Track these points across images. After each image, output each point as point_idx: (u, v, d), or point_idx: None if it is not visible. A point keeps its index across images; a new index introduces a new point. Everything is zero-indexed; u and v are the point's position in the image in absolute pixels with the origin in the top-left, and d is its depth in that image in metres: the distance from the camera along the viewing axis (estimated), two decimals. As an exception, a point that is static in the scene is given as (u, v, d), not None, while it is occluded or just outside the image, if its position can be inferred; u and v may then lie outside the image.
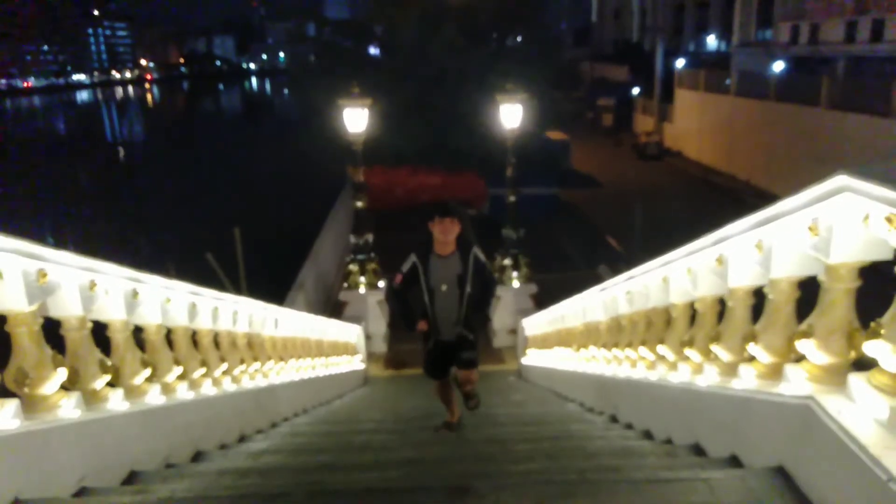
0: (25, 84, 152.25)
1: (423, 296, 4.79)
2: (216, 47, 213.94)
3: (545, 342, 9.59)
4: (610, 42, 72.26)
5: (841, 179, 2.23)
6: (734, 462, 3.04)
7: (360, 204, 13.15)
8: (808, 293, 2.79)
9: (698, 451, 3.55)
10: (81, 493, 2.82)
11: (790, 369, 2.70)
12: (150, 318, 3.97)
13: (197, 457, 4.10)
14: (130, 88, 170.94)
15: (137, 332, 3.87)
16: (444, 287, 4.76)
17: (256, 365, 5.85)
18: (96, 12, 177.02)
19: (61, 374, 2.94)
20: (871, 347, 2.21)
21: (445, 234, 4.70)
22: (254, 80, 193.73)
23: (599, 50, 71.51)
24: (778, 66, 36.36)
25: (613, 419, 5.53)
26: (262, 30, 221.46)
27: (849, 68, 33.90)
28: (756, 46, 42.76)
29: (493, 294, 5.12)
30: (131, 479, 3.28)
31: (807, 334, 2.57)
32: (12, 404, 2.64)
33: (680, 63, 45.01)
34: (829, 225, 2.37)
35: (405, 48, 24.56)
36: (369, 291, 12.80)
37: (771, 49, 39.67)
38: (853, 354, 2.47)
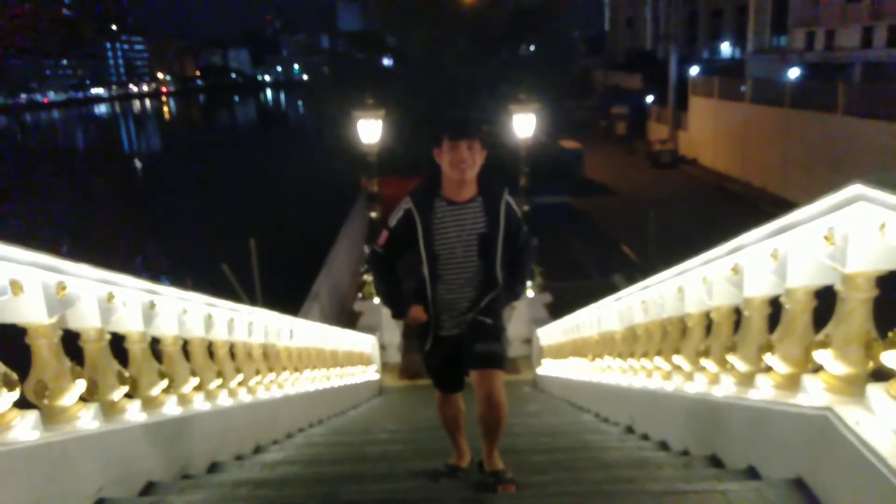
0: (45, 99, 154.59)
1: (422, 266, 3.13)
2: (231, 60, 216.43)
3: (560, 352, 9.55)
4: (623, 50, 72.26)
5: (856, 188, 2.22)
6: (752, 474, 3.01)
7: (374, 214, 13.23)
8: (826, 302, 2.76)
9: (715, 462, 3.52)
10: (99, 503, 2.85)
11: (807, 380, 2.68)
12: (166, 329, 4.00)
13: (213, 467, 4.12)
14: (147, 101, 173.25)
15: (154, 343, 3.91)
16: (456, 252, 3.10)
17: (272, 376, 5.88)
18: (114, 27, 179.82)
19: (80, 385, 2.97)
20: (889, 358, 2.19)
21: (462, 165, 3.00)
22: (269, 92, 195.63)
23: (612, 58, 71.49)
24: (793, 73, 36.18)
25: (629, 430, 5.49)
26: (277, 42, 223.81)
27: (865, 74, 33.64)
28: (771, 53, 42.60)
29: (531, 265, 3.32)
30: (148, 489, 3.30)
31: (824, 344, 2.55)
32: (32, 416, 2.67)
33: (694, 70, 44.92)
34: (845, 234, 2.35)
35: (418, 59, 24.69)
36: (384, 302, 12.81)
37: (786, 55, 39.50)
38: (871, 365, 2.45)
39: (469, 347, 3.19)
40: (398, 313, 3.27)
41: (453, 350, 3.28)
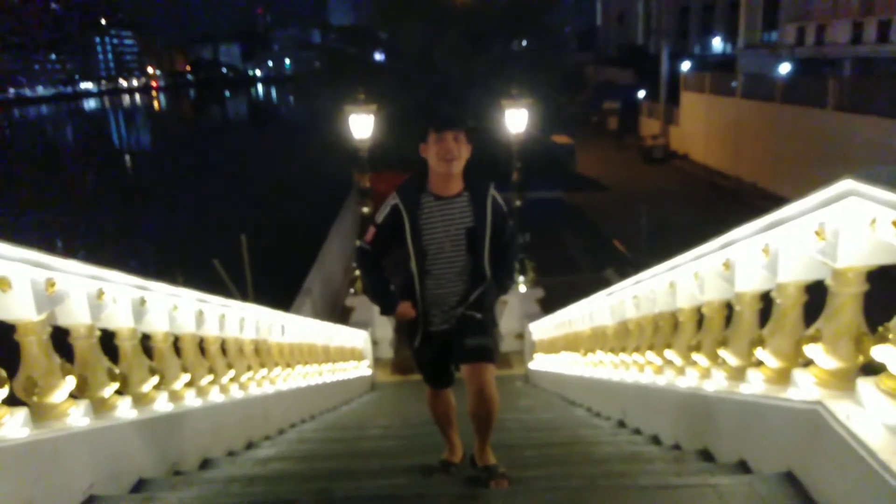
0: (34, 93, 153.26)
1: (409, 261, 3.14)
2: (222, 55, 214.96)
3: (552, 347, 9.57)
4: (615, 45, 72.24)
5: (847, 184, 2.23)
6: (743, 467, 3.03)
7: (366, 209, 13.21)
8: (817, 297, 2.78)
9: (707, 456, 3.54)
10: (90, 501, 2.83)
11: (798, 374, 2.70)
12: (157, 325, 3.98)
13: (205, 464, 4.10)
14: (137, 96, 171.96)
15: (145, 339, 3.89)
16: (444, 247, 3.12)
17: (263, 371, 5.86)
18: (103, 21, 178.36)
19: (70, 382, 2.95)
20: (879, 352, 2.20)
21: (449, 156, 3.00)
22: (259, 87, 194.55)
23: (604, 53, 71.53)
24: (784, 68, 36.26)
25: (621, 424, 5.51)
26: (268, 37, 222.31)
27: (855, 69, 33.80)
28: (762, 48, 42.69)
29: (517, 259, 3.44)
30: (140, 487, 3.29)
31: (815, 339, 2.56)
32: (21, 413, 2.65)
33: (685, 66, 44.96)
34: (836, 229, 2.36)
35: (410, 54, 24.62)
36: (376, 297, 12.80)
37: (777, 51, 39.60)
38: (861, 359, 2.46)
39: (459, 342, 3.17)
40: (386, 310, 3.27)
41: (443, 345, 3.27)
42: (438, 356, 3.33)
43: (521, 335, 12.57)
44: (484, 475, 3.17)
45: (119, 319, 3.57)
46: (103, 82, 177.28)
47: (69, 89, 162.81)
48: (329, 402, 8.41)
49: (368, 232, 3.20)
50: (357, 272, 13.01)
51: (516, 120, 12.33)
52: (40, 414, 2.84)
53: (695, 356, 3.91)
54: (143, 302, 3.72)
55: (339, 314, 13.95)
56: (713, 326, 3.76)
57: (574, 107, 31.05)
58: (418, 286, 3.17)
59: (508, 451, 4.07)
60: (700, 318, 3.95)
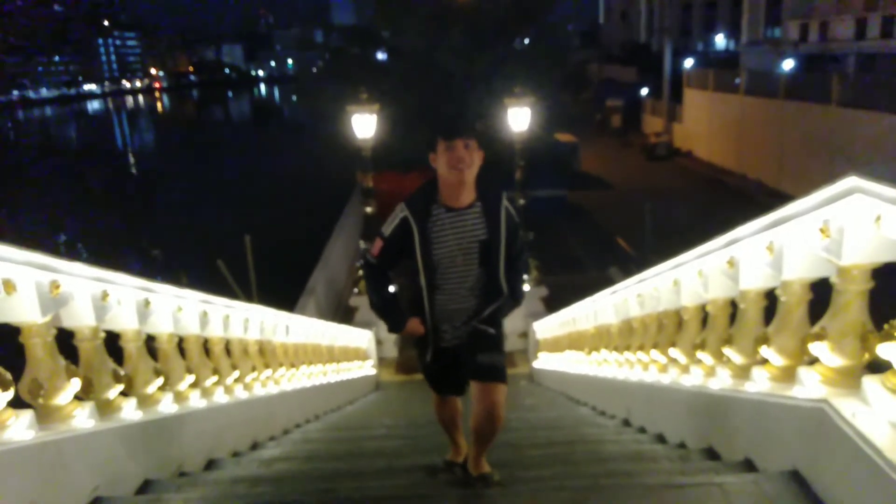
0: (37, 95, 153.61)
1: (419, 276, 2.95)
2: (225, 55, 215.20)
3: (556, 346, 9.56)
4: (617, 43, 72.13)
5: (852, 181, 2.22)
6: (748, 466, 3.02)
7: (369, 209, 13.21)
8: (822, 294, 2.77)
9: (712, 454, 3.53)
10: (95, 503, 2.84)
11: (803, 372, 2.68)
12: (162, 327, 3.99)
13: (210, 465, 4.11)
14: (140, 97, 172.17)
15: (150, 341, 3.89)
16: (456, 261, 2.95)
17: (268, 372, 5.87)
18: (106, 23, 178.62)
19: (75, 384, 2.96)
20: (885, 350, 2.19)
21: (460, 165, 2.81)
22: (262, 87, 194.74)
23: (607, 51, 71.39)
24: (787, 65, 36.19)
25: (626, 423, 5.50)
26: (270, 37, 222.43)
27: (859, 65, 33.70)
28: (765, 45, 42.62)
29: (526, 271, 3.12)
30: (145, 488, 3.29)
31: (820, 336, 2.55)
32: (27, 415, 2.66)
33: (688, 63, 44.85)
34: (841, 226, 2.35)
35: (412, 53, 24.61)
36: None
37: (780, 47, 39.52)
38: (867, 357, 2.45)
39: (470, 357, 3.04)
40: (395, 327, 3.11)
41: (454, 359, 3.14)
42: (449, 370, 3.21)
43: (525, 334, 12.57)
44: (480, 485, 3.09)
45: (123, 321, 3.58)
46: (106, 84, 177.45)
47: (73, 91, 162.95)
48: (333, 402, 8.42)
49: (375, 245, 3.02)
50: (361, 272, 13.02)
51: (519, 118, 12.32)
52: (45, 416, 2.85)
53: (699, 354, 3.90)
54: (147, 303, 3.72)
55: (343, 314, 13.97)
56: (718, 324, 3.75)
57: (577, 105, 31.04)
58: (427, 302, 3.00)
59: (513, 450, 4.06)
60: (704, 317, 3.94)
